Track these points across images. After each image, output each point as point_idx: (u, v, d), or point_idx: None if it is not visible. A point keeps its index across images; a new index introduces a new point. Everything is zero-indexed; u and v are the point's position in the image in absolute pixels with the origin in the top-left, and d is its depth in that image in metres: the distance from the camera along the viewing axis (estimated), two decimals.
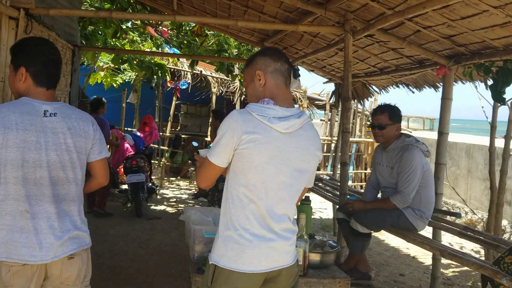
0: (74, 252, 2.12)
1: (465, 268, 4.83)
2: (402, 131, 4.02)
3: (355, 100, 8.03)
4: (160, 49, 9.47)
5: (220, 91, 11.28)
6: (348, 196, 4.32)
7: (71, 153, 2.11)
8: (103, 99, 7.24)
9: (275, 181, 1.88)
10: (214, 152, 1.87)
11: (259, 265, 1.85)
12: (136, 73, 9.69)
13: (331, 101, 11.10)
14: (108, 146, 7.73)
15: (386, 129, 3.83)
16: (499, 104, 4.84)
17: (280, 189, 1.90)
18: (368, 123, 13.88)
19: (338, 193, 5.14)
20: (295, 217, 2.08)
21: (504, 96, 3.96)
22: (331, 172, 8.35)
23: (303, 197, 3.31)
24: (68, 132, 2.10)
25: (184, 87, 11.18)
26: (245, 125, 1.82)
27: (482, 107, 5.02)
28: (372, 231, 3.96)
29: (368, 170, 10.70)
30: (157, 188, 8.90)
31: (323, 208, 8.58)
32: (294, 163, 1.92)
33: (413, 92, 5.94)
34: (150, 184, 7.90)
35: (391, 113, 3.84)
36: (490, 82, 4.07)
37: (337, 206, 4.61)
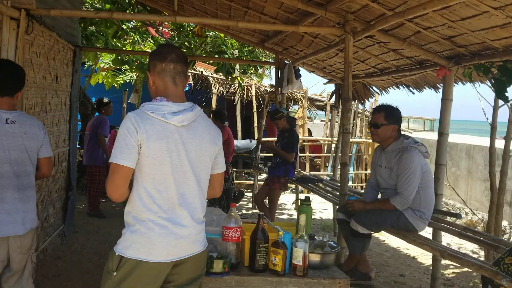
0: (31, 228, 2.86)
1: (465, 269, 4.83)
2: (402, 132, 4.01)
3: (356, 101, 8.04)
4: None
5: (221, 92, 11.28)
6: (348, 196, 4.31)
7: (27, 152, 2.81)
8: (105, 99, 7.24)
9: (178, 172, 2.00)
10: (119, 155, 1.92)
11: (167, 256, 1.98)
12: (137, 74, 9.70)
13: (331, 102, 11.10)
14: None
15: (380, 128, 3.81)
16: (499, 105, 4.85)
17: (184, 179, 2.02)
18: (369, 123, 13.90)
19: (338, 193, 5.14)
20: (205, 205, 2.17)
21: (506, 94, 3.93)
22: (331, 173, 8.35)
23: (304, 198, 3.36)
24: (24, 136, 2.77)
25: (185, 89, 11.18)
26: (142, 124, 1.93)
27: (483, 108, 5.04)
28: (372, 232, 3.95)
29: (368, 171, 10.70)
30: None
31: (323, 209, 8.59)
32: (193, 153, 2.06)
33: (413, 93, 5.95)
34: None
35: (387, 113, 3.83)
36: (493, 82, 4.05)
37: (337, 207, 4.61)
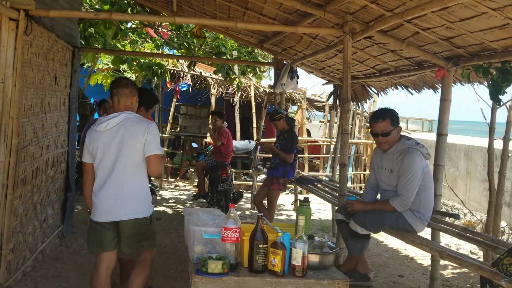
0: None
1: (464, 269, 4.84)
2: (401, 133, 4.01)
3: (354, 102, 8.04)
4: (160, 50, 9.47)
5: (220, 93, 11.29)
6: (347, 197, 4.30)
7: None
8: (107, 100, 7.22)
9: (107, 161, 3.13)
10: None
11: (105, 217, 3.15)
12: (136, 74, 9.69)
13: (330, 103, 11.10)
14: None
15: (390, 135, 3.79)
16: (497, 106, 4.86)
17: (113, 165, 3.12)
18: (367, 124, 13.90)
19: (337, 194, 5.15)
20: (134, 182, 3.15)
21: (501, 96, 3.94)
22: (330, 174, 8.36)
23: (303, 198, 3.37)
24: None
25: (184, 89, 11.18)
26: (87, 137, 3.23)
27: (481, 108, 5.05)
28: (371, 232, 3.95)
29: (367, 172, 10.71)
30: (157, 189, 8.91)
31: (322, 209, 8.59)
32: (116, 147, 3.12)
33: (412, 94, 5.95)
34: (149, 185, 7.89)
35: (392, 118, 3.81)
36: (490, 83, 4.07)
37: (336, 207, 4.61)
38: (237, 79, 8.75)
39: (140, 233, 3.22)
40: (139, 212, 3.18)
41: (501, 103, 4.12)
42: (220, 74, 9.25)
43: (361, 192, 8.71)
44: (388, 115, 3.81)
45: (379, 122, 3.79)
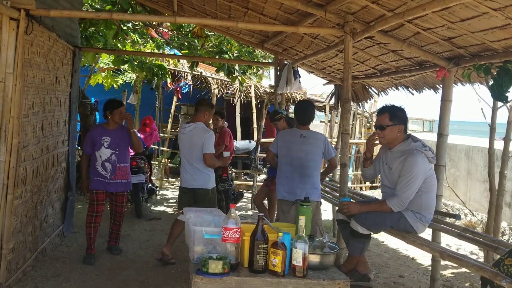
0: None
1: (464, 270, 4.83)
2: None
3: (355, 102, 8.03)
4: (161, 50, 9.47)
5: (221, 93, 11.29)
6: (342, 198, 4.28)
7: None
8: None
9: (185, 151, 4.94)
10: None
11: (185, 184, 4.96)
12: (137, 74, 9.69)
13: (331, 103, 11.10)
14: None
15: (386, 130, 3.75)
16: (498, 106, 4.85)
17: (188, 154, 4.89)
18: (368, 124, 13.90)
19: (337, 194, 5.14)
20: (200, 165, 4.87)
21: (507, 94, 3.89)
22: (331, 174, 8.34)
23: (304, 198, 3.37)
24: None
25: (185, 90, 11.19)
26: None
27: (482, 109, 5.04)
28: (372, 232, 3.94)
29: None
30: (157, 189, 8.91)
31: (322, 210, 8.56)
32: (189, 144, 4.88)
33: (413, 94, 5.95)
34: (150, 185, 7.90)
35: (392, 113, 3.77)
36: (491, 83, 4.05)
37: (337, 208, 4.60)
38: (239, 77, 8.74)
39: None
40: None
41: (507, 100, 4.04)
42: (222, 74, 9.25)
43: (361, 192, 8.72)
44: (388, 110, 3.79)
45: (379, 115, 3.88)
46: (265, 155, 10.01)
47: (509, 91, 3.83)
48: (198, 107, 5.02)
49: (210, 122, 5.64)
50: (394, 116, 3.76)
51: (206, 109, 4.97)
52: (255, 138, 10.43)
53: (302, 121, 4.89)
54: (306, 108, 4.97)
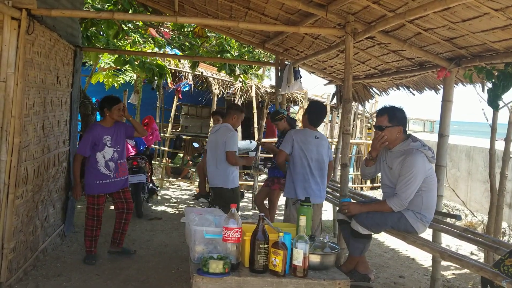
0: None
1: (465, 270, 4.84)
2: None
3: (356, 102, 8.04)
4: (162, 50, 9.47)
5: (221, 93, 11.29)
6: (342, 198, 4.29)
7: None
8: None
9: (211, 151, 5.25)
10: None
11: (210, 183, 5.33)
12: (138, 74, 9.69)
13: (331, 103, 11.10)
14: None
15: (385, 131, 3.78)
16: (499, 106, 4.85)
17: (212, 153, 5.21)
18: (369, 125, 13.90)
19: (338, 194, 5.14)
20: (222, 164, 5.10)
21: (499, 102, 3.96)
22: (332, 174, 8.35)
23: (304, 198, 3.37)
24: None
25: (185, 89, 11.19)
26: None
27: (483, 109, 5.04)
28: (373, 233, 3.95)
29: None
30: (158, 188, 8.91)
31: (323, 210, 8.57)
32: (214, 144, 5.17)
33: (414, 94, 5.95)
34: (150, 185, 7.91)
35: (391, 115, 3.78)
36: (489, 85, 4.07)
37: (338, 208, 4.61)
38: (241, 75, 8.75)
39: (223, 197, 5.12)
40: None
41: (498, 108, 4.12)
42: (223, 74, 9.25)
43: (362, 192, 8.72)
44: (387, 112, 3.81)
45: (378, 116, 3.89)
46: (265, 155, 10.04)
47: (502, 99, 3.88)
48: (228, 110, 5.41)
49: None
50: (393, 117, 3.77)
51: (235, 113, 5.30)
52: (256, 138, 10.43)
53: (316, 123, 4.92)
54: (322, 111, 5.02)
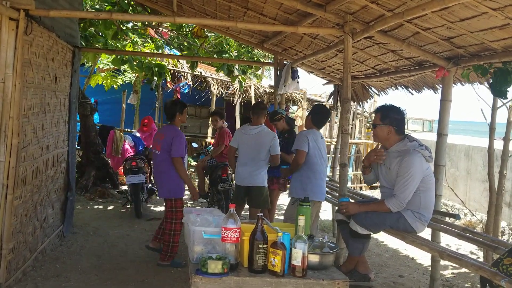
0: None
1: (464, 269, 4.83)
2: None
3: (355, 102, 8.04)
4: (160, 50, 9.47)
5: (220, 93, 11.29)
6: (340, 198, 4.28)
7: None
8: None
9: (249, 151, 5.44)
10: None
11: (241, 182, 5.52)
12: (136, 74, 9.69)
13: (330, 103, 11.11)
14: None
15: (375, 129, 3.84)
16: (498, 106, 4.86)
17: (253, 153, 5.40)
18: (368, 124, 13.91)
19: (337, 194, 5.15)
20: (263, 165, 5.44)
21: (508, 90, 3.84)
22: (331, 174, 8.35)
23: (303, 198, 3.37)
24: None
25: (185, 91, 11.20)
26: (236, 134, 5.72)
27: (481, 109, 5.05)
28: (371, 232, 3.95)
29: None
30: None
31: (322, 209, 8.56)
32: (254, 145, 5.44)
33: (412, 94, 5.94)
34: (149, 185, 7.91)
35: (383, 114, 3.77)
36: (491, 80, 4.05)
37: (337, 208, 4.60)
38: (239, 76, 8.74)
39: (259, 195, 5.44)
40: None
41: (506, 97, 4.01)
42: (221, 74, 9.25)
43: (361, 192, 8.72)
44: (380, 110, 3.86)
45: (375, 113, 3.99)
46: None
47: (508, 90, 3.83)
48: (258, 111, 5.52)
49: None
50: (385, 116, 3.76)
51: (265, 113, 5.59)
52: None
53: (319, 124, 5.11)
54: (326, 113, 5.24)
